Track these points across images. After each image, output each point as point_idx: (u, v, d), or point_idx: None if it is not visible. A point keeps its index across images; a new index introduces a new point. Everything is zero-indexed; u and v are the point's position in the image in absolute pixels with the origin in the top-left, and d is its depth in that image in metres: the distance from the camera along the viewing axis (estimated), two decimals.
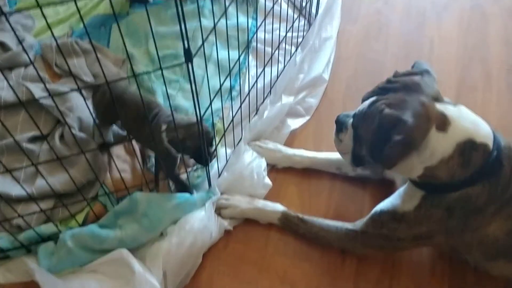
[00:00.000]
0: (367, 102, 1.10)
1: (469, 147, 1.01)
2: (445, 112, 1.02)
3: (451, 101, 1.08)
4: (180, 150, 1.22)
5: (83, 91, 1.44)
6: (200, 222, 1.27)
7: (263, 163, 1.44)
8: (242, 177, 1.39)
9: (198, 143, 1.17)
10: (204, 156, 1.21)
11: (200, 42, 1.74)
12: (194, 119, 1.13)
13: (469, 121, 1.03)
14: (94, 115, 1.36)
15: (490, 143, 1.02)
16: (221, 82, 1.23)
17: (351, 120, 1.18)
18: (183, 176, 1.36)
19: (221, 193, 1.39)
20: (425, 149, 1.01)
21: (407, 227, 1.14)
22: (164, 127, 1.22)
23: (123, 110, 1.28)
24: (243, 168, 1.40)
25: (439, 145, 1.01)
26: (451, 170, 1.02)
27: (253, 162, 1.42)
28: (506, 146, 1.05)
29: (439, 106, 1.03)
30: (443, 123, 1.01)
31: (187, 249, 1.23)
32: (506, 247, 1.09)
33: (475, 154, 1.01)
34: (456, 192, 1.04)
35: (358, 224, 1.25)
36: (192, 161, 1.36)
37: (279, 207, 1.37)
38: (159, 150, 1.28)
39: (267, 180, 1.42)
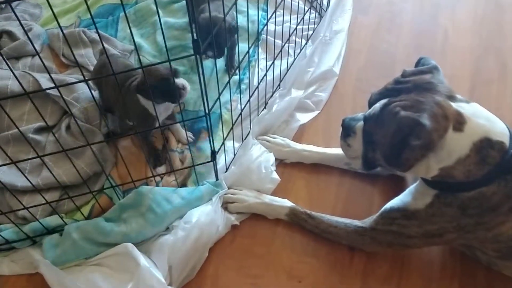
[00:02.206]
0: (378, 105, 1.06)
1: (485, 146, 0.98)
2: (460, 111, 0.99)
3: (464, 98, 1.05)
4: (150, 95, 1.16)
5: (90, 82, 1.42)
6: (207, 216, 1.25)
7: (271, 158, 1.41)
8: (249, 171, 1.37)
9: (163, 79, 1.17)
10: (175, 92, 1.19)
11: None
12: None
13: (484, 118, 1.00)
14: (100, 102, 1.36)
15: (507, 140, 0.99)
16: (230, 75, 1.21)
17: (359, 124, 1.14)
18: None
19: (228, 187, 1.37)
20: (442, 150, 0.98)
21: (417, 225, 1.12)
22: (134, 82, 1.24)
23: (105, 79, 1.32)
24: (250, 162, 1.38)
25: (456, 145, 0.98)
26: (467, 169, 0.99)
27: (261, 157, 1.39)
28: None
29: (454, 105, 1.00)
30: (459, 122, 0.98)
31: (193, 243, 1.22)
32: None
33: (492, 152, 0.98)
34: (471, 191, 1.01)
35: (367, 221, 1.23)
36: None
37: (287, 202, 1.35)
38: (134, 112, 1.28)
39: (275, 175, 1.40)
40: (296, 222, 1.33)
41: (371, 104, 1.10)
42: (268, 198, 1.36)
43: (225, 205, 1.34)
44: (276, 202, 1.35)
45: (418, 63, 1.13)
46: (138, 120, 1.32)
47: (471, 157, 0.98)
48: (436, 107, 0.97)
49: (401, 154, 0.98)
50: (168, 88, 1.17)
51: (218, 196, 1.32)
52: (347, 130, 1.19)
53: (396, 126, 0.97)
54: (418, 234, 1.14)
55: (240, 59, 1.27)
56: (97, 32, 0.88)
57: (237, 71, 1.47)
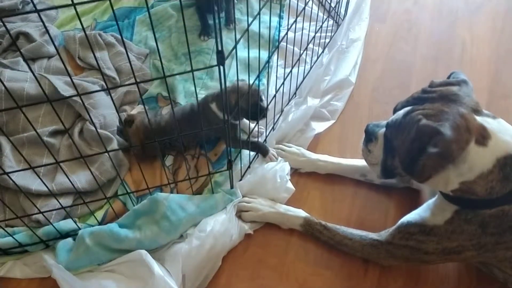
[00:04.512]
0: (401, 112, 1.05)
1: (510, 162, 0.95)
2: (485, 125, 0.97)
3: (491, 114, 1.03)
4: (235, 114, 1.26)
5: (108, 89, 1.42)
6: (221, 226, 1.25)
7: (286, 167, 1.40)
8: (265, 180, 1.36)
9: (252, 100, 1.26)
10: (260, 111, 1.29)
11: (223, 39, 1.73)
12: (237, 84, 1.22)
13: (509, 135, 0.98)
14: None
15: None
16: (250, 83, 1.20)
17: (381, 130, 1.13)
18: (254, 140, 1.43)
19: (243, 196, 1.36)
20: (463, 163, 0.96)
21: (436, 241, 1.09)
22: (213, 104, 1.33)
23: (165, 133, 1.38)
24: (266, 171, 1.37)
25: (479, 160, 0.96)
26: (490, 185, 0.97)
27: (276, 165, 1.38)
28: None
29: (479, 119, 0.98)
30: (483, 136, 0.96)
31: (207, 252, 1.21)
32: None
33: None
34: (492, 208, 0.99)
35: (383, 235, 1.21)
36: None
37: (301, 212, 1.33)
38: (217, 129, 1.33)
39: (290, 185, 1.38)
40: (311, 233, 1.31)
41: (396, 111, 1.09)
42: (283, 208, 1.34)
43: (239, 214, 1.33)
44: (291, 212, 1.33)
45: (449, 77, 1.13)
46: (222, 133, 1.38)
47: (494, 173, 0.96)
48: (459, 118, 0.95)
49: (418, 161, 0.96)
50: (255, 110, 1.29)
51: (233, 205, 1.31)
52: (369, 135, 1.18)
53: (416, 133, 0.96)
54: (436, 251, 1.11)
55: (260, 67, 1.25)
56: (121, 35, 0.86)
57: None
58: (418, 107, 1.01)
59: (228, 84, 1.26)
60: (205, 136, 1.39)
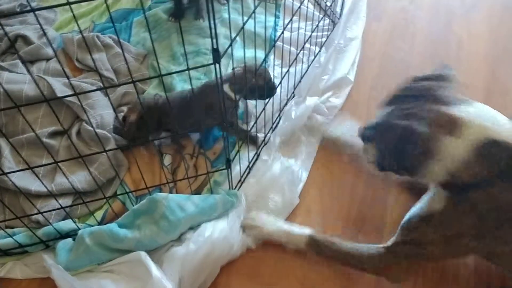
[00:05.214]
0: (382, 113, 1.10)
1: (489, 147, 0.97)
2: (457, 116, 1.00)
3: (470, 100, 1.04)
4: (248, 95, 1.34)
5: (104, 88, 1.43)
6: (220, 232, 1.24)
7: (295, 179, 1.40)
8: (271, 190, 1.37)
9: (260, 80, 1.32)
10: (269, 89, 1.35)
11: (221, 39, 1.74)
12: (247, 66, 1.27)
13: (488, 120, 1.00)
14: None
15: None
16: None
17: (371, 132, 1.17)
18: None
19: (247, 207, 1.34)
20: (442, 156, 1.00)
21: (436, 228, 1.10)
22: (226, 85, 1.35)
23: (166, 114, 1.39)
24: (273, 180, 1.37)
25: (456, 150, 0.99)
26: (473, 171, 0.99)
27: (284, 175, 1.39)
28: None
29: (452, 110, 1.01)
30: (455, 127, 0.99)
31: (203, 258, 1.20)
32: None
33: (497, 152, 0.97)
34: (482, 191, 1.00)
35: (389, 242, 1.20)
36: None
37: (305, 230, 1.30)
38: (217, 117, 1.31)
39: (297, 199, 1.38)
40: (317, 250, 1.27)
41: (380, 111, 1.14)
42: (287, 226, 1.31)
43: (244, 230, 1.31)
44: (295, 230, 1.30)
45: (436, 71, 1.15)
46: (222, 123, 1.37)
47: (474, 159, 0.98)
48: (432, 114, 1.00)
49: (404, 161, 1.02)
50: (268, 87, 1.35)
51: (237, 216, 1.30)
52: (362, 138, 1.22)
53: (394, 135, 1.02)
54: (438, 238, 1.11)
55: (257, 67, 1.26)
56: (117, 37, 0.87)
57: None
58: (396, 108, 1.07)
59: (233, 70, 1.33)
60: (202, 122, 1.41)
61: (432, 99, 1.03)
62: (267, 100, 1.39)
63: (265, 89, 1.34)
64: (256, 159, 1.44)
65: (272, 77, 1.38)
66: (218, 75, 0.93)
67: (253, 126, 1.41)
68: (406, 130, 1.00)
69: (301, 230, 1.30)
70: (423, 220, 1.12)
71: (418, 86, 1.09)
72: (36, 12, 1.95)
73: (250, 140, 1.44)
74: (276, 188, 1.37)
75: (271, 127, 1.50)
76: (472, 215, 1.04)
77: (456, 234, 1.08)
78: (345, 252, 1.24)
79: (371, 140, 1.17)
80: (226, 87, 1.36)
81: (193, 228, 1.27)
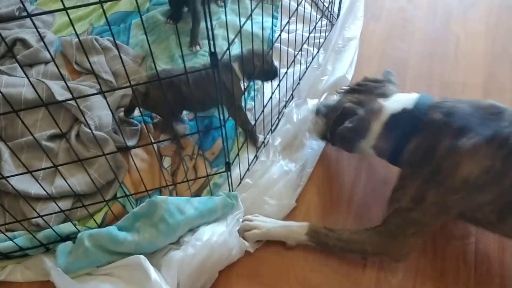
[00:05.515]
0: (337, 98, 1.39)
1: (392, 120, 1.21)
2: (384, 104, 1.24)
3: (396, 92, 1.29)
4: (254, 77, 1.39)
5: (102, 92, 1.43)
6: (219, 236, 1.24)
7: (294, 183, 1.41)
8: (268, 192, 1.37)
9: (269, 62, 1.39)
10: (273, 73, 1.44)
11: (219, 41, 1.75)
12: (255, 49, 1.31)
13: (395, 102, 1.23)
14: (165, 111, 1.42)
15: (410, 107, 1.20)
16: (245, 86, 1.21)
17: (324, 110, 1.41)
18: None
19: (245, 210, 1.34)
20: (369, 135, 1.25)
21: (402, 193, 1.20)
22: (236, 64, 1.38)
23: (181, 87, 1.38)
24: (270, 183, 1.38)
25: (376, 129, 1.24)
26: (386, 141, 1.24)
27: (282, 179, 1.39)
28: (432, 104, 1.19)
29: (382, 101, 1.25)
30: (379, 112, 1.23)
31: (202, 262, 1.20)
32: (489, 185, 1.09)
33: (400, 121, 1.20)
34: (403, 153, 1.20)
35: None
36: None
37: (304, 223, 1.31)
38: (229, 98, 1.37)
39: (293, 202, 1.39)
40: (317, 240, 1.29)
41: (336, 97, 1.45)
42: (286, 222, 1.34)
43: (242, 234, 1.31)
44: (294, 224, 1.33)
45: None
46: (231, 106, 1.41)
47: (384, 131, 1.23)
48: (371, 105, 1.25)
49: (338, 132, 1.27)
50: (269, 70, 1.42)
51: (235, 219, 1.30)
52: (316, 112, 1.44)
53: (341, 112, 1.30)
54: (409, 205, 1.18)
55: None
56: (114, 40, 0.87)
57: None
58: (349, 96, 1.34)
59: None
60: (211, 100, 1.44)
61: (374, 94, 1.29)
62: (266, 100, 1.39)
63: (271, 72, 1.43)
64: (255, 162, 1.44)
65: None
66: (217, 80, 0.93)
67: (253, 127, 1.42)
68: (346, 110, 1.28)
69: (300, 223, 1.32)
70: (395, 189, 1.24)
71: (369, 84, 1.35)
72: (35, 16, 1.96)
73: (251, 137, 1.45)
74: (272, 191, 1.38)
75: (270, 129, 1.50)
76: (413, 171, 1.18)
77: (416, 192, 1.17)
78: (346, 238, 1.26)
79: (321, 115, 1.40)
80: (235, 66, 1.38)
81: (192, 230, 1.28)
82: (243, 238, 1.30)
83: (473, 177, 1.09)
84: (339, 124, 1.28)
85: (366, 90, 1.33)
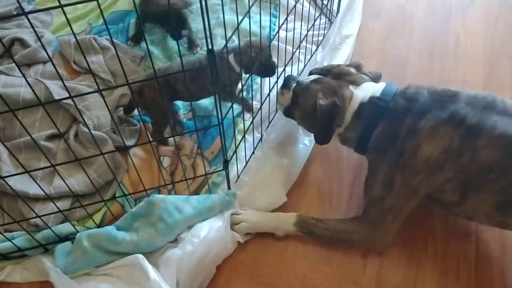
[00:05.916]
0: (311, 77, 1.33)
1: (361, 109, 1.24)
2: (354, 92, 1.26)
3: (368, 81, 1.30)
4: (250, 69, 1.34)
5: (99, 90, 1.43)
6: (217, 232, 1.24)
7: (287, 178, 1.41)
8: (260, 188, 1.38)
9: (267, 56, 1.36)
10: (270, 68, 1.40)
11: (218, 40, 1.74)
12: (252, 41, 1.29)
13: (364, 91, 1.25)
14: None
15: (377, 95, 1.23)
16: (243, 83, 1.20)
17: (294, 84, 1.36)
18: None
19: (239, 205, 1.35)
20: (342, 123, 1.27)
21: (373, 181, 1.25)
22: (231, 56, 1.36)
23: (176, 85, 1.38)
24: (263, 178, 1.38)
25: (347, 117, 1.26)
26: (353, 129, 1.27)
27: (275, 174, 1.39)
28: (397, 91, 1.23)
29: (352, 89, 1.26)
30: (349, 101, 1.25)
31: (200, 259, 1.20)
32: (449, 163, 1.13)
33: (368, 109, 1.23)
34: (370, 138, 1.24)
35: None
36: None
37: (292, 213, 1.33)
38: (223, 84, 1.36)
39: (284, 197, 1.39)
40: (306, 230, 1.31)
41: (311, 74, 1.38)
42: (274, 213, 1.35)
43: (231, 228, 1.31)
44: (282, 214, 1.34)
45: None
46: (223, 89, 1.39)
47: (353, 119, 1.25)
48: (343, 92, 1.26)
49: (316, 119, 1.25)
50: (268, 67, 1.40)
51: (230, 213, 1.30)
52: (285, 83, 1.41)
53: (309, 97, 1.28)
54: (380, 190, 1.22)
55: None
56: (111, 39, 0.87)
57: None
58: (323, 79, 1.31)
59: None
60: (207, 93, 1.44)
61: (346, 81, 1.29)
62: (264, 99, 1.38)
63: (269, 67, 1.39)
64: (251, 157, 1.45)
65: (273, 55, 1.42)
66: (214, 77, 0.92)
67: (250, 124, 1.41)
68: (326, 106, 1.23)
69: (288, 214, 1.34)
70: (366, 179, 1.28)
71: (338, 69, 1.34)
72: (33, 15, 1.94)
73: (246, 105, 1.47)
74: (264, 186, 1.38)
75: (268, 126, 1.50)
76: (379, 156, 1.23)
77: (384, 178, 1.22)
78: (333, 228, 1.29)
79: (289, 89, 1.37)
80: (231, 58, 1.36)
81: (190, 226, 1.27)
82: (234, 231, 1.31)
83: (434, 157, 1.14)
84: (310, 108, 1.28)
85: (338, 74, 1.33)
